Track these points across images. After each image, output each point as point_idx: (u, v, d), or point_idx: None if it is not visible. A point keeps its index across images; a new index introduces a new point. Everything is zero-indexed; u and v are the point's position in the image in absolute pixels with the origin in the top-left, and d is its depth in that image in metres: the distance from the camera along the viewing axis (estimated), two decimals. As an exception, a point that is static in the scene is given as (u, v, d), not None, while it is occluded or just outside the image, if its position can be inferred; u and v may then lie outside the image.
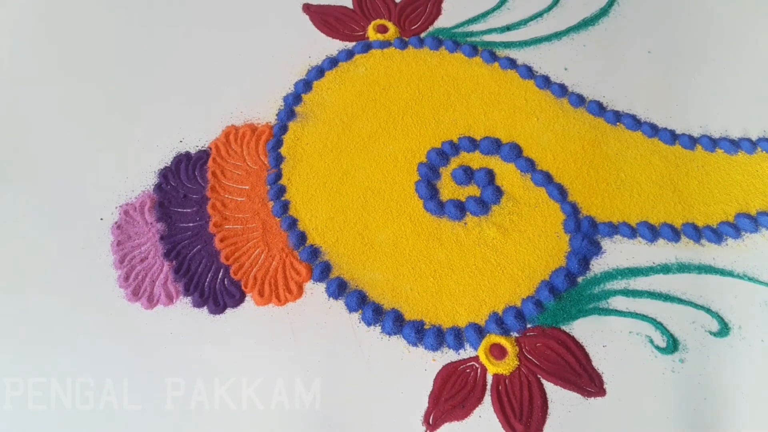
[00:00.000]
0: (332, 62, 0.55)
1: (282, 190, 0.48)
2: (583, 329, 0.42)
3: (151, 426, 0.39)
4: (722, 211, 0.47)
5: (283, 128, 0.51)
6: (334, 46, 0.56)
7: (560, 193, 0.48)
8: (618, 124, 0.51)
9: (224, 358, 0.41)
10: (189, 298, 0.43)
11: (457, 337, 0.42)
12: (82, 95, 0.53)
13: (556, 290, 0.43)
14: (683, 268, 0.45)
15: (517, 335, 0.42)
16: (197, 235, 0.46)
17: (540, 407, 0.39)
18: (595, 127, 0.51)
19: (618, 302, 0.43)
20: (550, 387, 0.40)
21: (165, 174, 0.49)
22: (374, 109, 0.52)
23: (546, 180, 0.48)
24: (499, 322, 0.42)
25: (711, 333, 0.42)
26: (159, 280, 0.44)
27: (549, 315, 0.43)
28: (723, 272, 0.44)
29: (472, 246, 0.45)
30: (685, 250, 0.45)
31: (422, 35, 0.57)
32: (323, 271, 0.44)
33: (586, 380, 0.40)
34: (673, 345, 0.41)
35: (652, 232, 0.46)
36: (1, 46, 0.57)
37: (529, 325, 0.42)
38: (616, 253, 0.45)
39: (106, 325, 0.42)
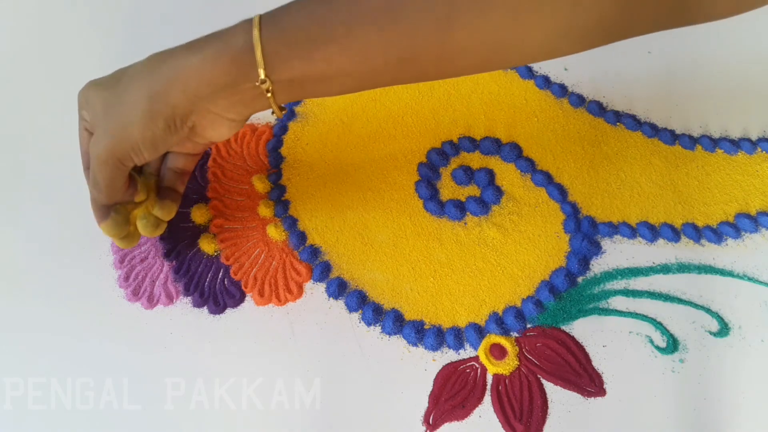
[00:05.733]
0: (332, 62, 0.55)
1: (282, 190, 0.48)
2: (583, 329, 0.42)
3: (151, 426, 0.39)
4: (722, 211, 0.47)
5: (283, 128, 0.51)
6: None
7: (560, 193, 0.48)
8: (618, 124, 0.51)
9: (224, 357, 0.41)
10: (189, 298, 0.43)
11: (457, 337, 0.42)
12: (82, 95, 0.53)
13: (556, 290, 0.43)
14: (683, 268, 0.45)
15: (517, 335, 0.42)
16: (197, 235, 0.46)
17: (540, 407, 0.39)
18: (595, 127, 0.51)
19: (618, 302, 0.43)
20: (550, 387, 0.40)
21: (165, 174, 0.49)
22: (374, 109, 0.52)
23: (546, 180, 0.48)
24: (499, 322, 0.42)
25: (711, 333, 0.42)
26: (159, 280, 0.44)
27: (549, 315, 0.43)
28: (723, 272, 0.44)
29: (472, 246, 0.45)
30: (685, 250, 0.45)
31: (422, 35, 0.57)
32: (323, 271, 0.44)
33: (586, 380, 0.40)
34: (673, 345, 0.41)
35: (652, 232, 0.46)
36: (1, 45, 0.57)
37: (529, 325, 0.42)
38: (616, 253, 0.45)
39: (106, 325, 0.42)
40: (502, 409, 0.39)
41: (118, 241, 0.41)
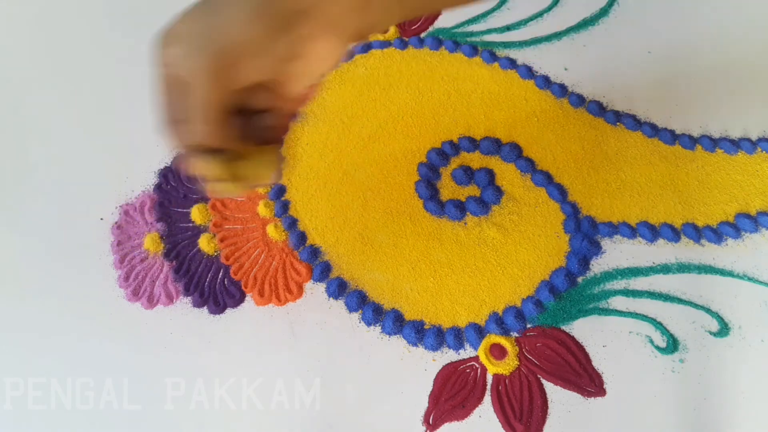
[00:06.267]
0: (332, 62, 0.55)
1: (282, 190, 0.48)
2: (583, 329, 0.42)
3: (151, 426, 0.39)
4: (722, 211, 0.47)
5: (283, 128, 0.51)
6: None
7: (560, 193, 0.48)
8: (618, 124, 0.51)
9: (224, 357, 0.41)
10: (189, 298, 0.43)
11: (457, 337, 0.42)
12: (82, 94, 0.53)
13: (556, 290, 0.43)
14: (683, 268, 0.45)
15: (517, 335, 0.42)
16: (197, 235, 0.46)
17: (540, 407, 0.39)
18: (595, 127, 0.51)
19: (618, 302, 0.43)
20: (550, 387, 0.40)
21: (165, 174, 0.49)
22: (374, 109, 0.52)
23: (546, 180, 0.48)
24: (499, 322, 0.42)
25: (711, 333, 0.42)
26: (159, 280, 0.44)
27: (549, 315, 0.43)
28: (723, 272, 0.44)
29: (472, 246, 0.45)
30: (685, 250, 0.45)
31: (422, 35, 0.57)
32: (323, 271, 0.44)
33: (586, 380, 0.40)
34: (673, 345, 0.41)
35: (652, 232, 0.46)
36: (1, 45, 0.57)
37: (529, 325, 0.42)
38: (616, 253, 0.45)
39: (106, 325, 0.42)
40: (502, 409, 0.39)
41: (223, 187, 0.33)
